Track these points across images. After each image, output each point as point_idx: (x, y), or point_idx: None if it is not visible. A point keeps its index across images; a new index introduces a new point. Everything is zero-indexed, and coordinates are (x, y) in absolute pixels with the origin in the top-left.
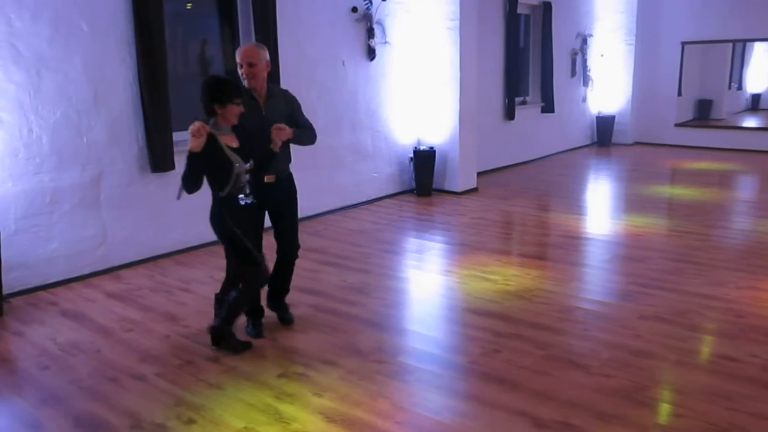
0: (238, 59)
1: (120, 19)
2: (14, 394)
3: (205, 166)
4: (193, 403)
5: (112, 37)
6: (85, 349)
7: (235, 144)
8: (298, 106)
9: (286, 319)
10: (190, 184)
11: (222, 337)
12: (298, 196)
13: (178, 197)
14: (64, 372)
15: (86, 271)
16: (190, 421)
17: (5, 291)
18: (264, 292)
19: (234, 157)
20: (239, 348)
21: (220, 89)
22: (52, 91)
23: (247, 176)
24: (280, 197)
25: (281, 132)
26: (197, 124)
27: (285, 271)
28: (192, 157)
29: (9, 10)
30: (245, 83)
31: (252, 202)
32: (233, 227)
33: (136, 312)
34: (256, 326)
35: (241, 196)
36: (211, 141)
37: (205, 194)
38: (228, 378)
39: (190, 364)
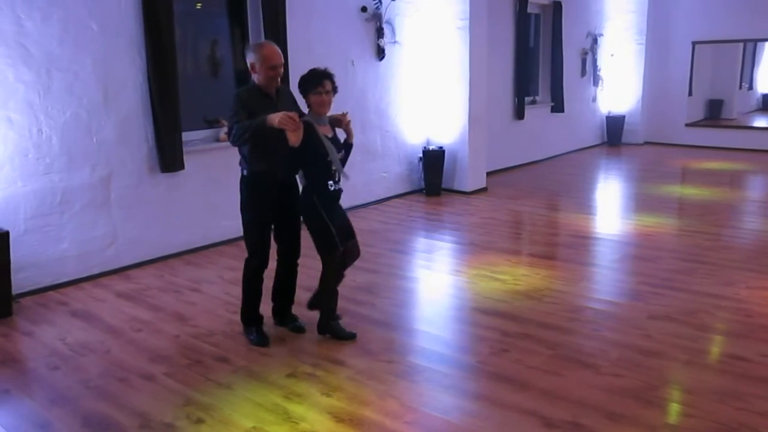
0: (271, 62)
1: (130, 19)
2: (24, 394)
3: (303, 156)
4: (202, 403)
5: (122, 37)
6: (94, 349)
7: (329, 134)
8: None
9: (299, 326)
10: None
11: (329, 331)
12: None
13: (346, 178)
14: (74, 372)
15: (96, 271)
16: (199, 421)
17: (15, 291)
18: (268, 305)
19: (329, 145)
20: (346, 336)
21: (302, 81)
22: (62, 91)
23: (340, 165)
24: (291, 202)
25: (350, 122)
26: (288, 116)
27: (291, 275)
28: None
29: (19, 10)
30: (266, 83)
31: (340, 189)
32: (322, 213)
33: (145, 312)
34: (259, 333)
35: (331, 182)
36: (310, 131)
37: (215, 194)
38: (237, 378)
39: (199, 364)
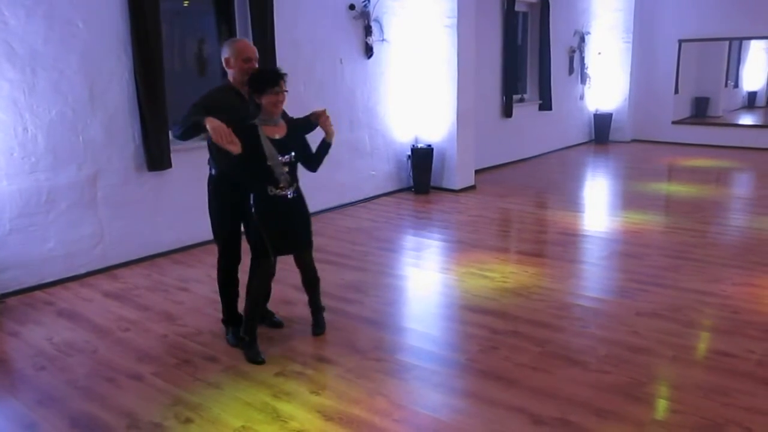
0: (245, 54)
1: (116, 17)
2: (10, 395)
3: (241, 157)
4: (191, 403)
5: (108, 35)
6: (81, 349)
7: (278, 135)
8: None
9: (277, 322)
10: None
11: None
12: None
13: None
14: (61, 372)
15: (83, 271)
16: (188, 421)
17: (1, 291)
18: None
19: (269, 149)
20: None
21: (257, 80)
22: (47, 89)
23: (285, 169)
24: None
25: (329, 119)
26: (222, 127)
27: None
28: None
29: (3, 7)
30: (240, 79)
31: (284, 195)
32: (255, 218)
33: (133, 311)
34: (236, 335)
35: (271, 187)
36: (253, 132)
37: (202, 193)
38: (225, 377)
39: (187, 364)
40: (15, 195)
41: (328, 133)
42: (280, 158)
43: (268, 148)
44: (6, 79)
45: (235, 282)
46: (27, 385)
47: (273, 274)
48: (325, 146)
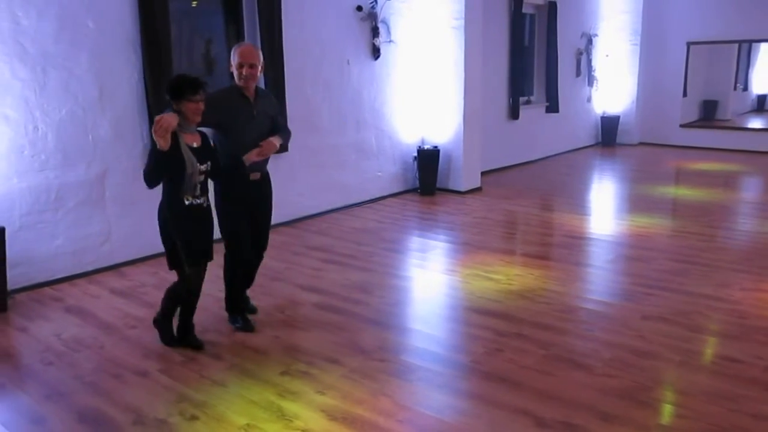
0: (238, 59)
1: (126, 17)
2: (18, 390)
3: (168, 165)
4: (196, 400)
5: (118, 35)
6: (88, 345)
7: (196, 143)
8: (279, 108)
9: (250, 308)
10: (153, 179)
11: (158, 328)
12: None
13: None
14: (68, 368)
15: (90, 268)
16: (193, 418)
17: (10, 287)
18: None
19: (189, 157)
20: (167, 342)
21: (176, 86)
22: (57, 88)
23: (201, 177)
24: (262, 196)
25: (269, 148)
26: (164, 118)
27: (252, 271)
28: (157, 154)
29: (16, 7)
30: (240, 83)
31: (198, 203)
32: (168, 227)
33: (139, 309)
34: (244, 320)
35: (188, 196)
36: (173, 139)
37: (212, 191)
38: (231, 375)
39: (193, 361)
40: (25, 192)
41: (247, 158)
42: (198, 166)
43: (188, 156)
44: (18, 78)
45: (243, 273)
46: (35, 380)
47: (201, 281)
48: (239, 164)
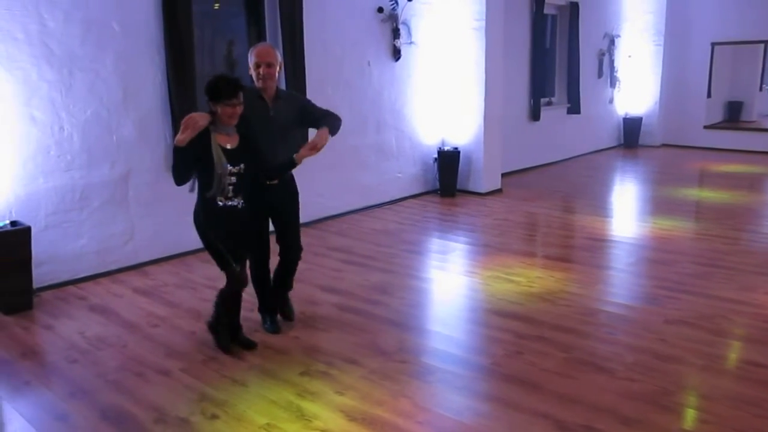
0: (255, 59)
1: (150, 20)
2: (44, 386)
3: (194, 163)
4: (217, 399)
5: (142, 37)
6: (112, 343)
7: (230, 145)
8: (308, 101)
9: (286, 312)
10: (176, 176)
11: (212, 332)
12: (299, 197)
13: (191, 190)
14: (92, 365)
15: (114, 267)
16: (214, 417)
17: (35, 285)
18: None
19: (220, 157)
20: (221, 347)
21: (214, 88)
22: (83, 89)
23: (233, 179)
24: (282, 198)
25: (321, 141)
26: (191, 117)
27: (286, 274)
28: (175, 150)
29: (43, 10)
30: (259, 84)
31: (231, 205)
32: (207, 229)
33: (162, 308)
34: (272, 323)
35: (221, 198)
36: (205, 138)
37: None
38: (251, 375)
39: (214, 360)
40: (51, 192)
41: (299, 156)
42: (228, 167)
43: (218, 157)
44: (45, 79)
45: (267, 275)
46: (60, 377)
47: (244, 281)
48: (288, 163)
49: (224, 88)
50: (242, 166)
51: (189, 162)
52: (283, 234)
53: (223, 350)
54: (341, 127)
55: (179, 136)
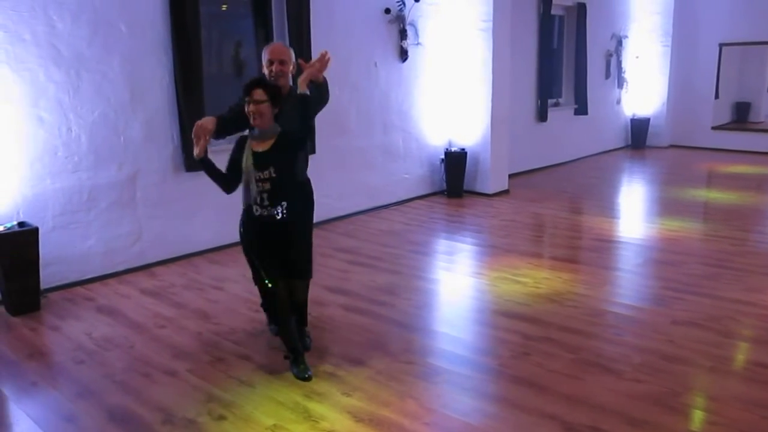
0: (268, 57)
1: (157, 21)
2: (51, 387)
3: (233, 172)
4: (224, 400)
5: (150, 38)
6: (119, 344)
7: (262, 148)
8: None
9: (303, 345)
10: (220, 186)
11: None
12: (314, 206)
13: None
14: (99, 366)
15: (121, 268)
16: (221, 418)
17: (43, 286)
18: None
19: (247, 163)
20: (293, 349)
21: (245, 85)
22: (90, 90)
23: (266, 185)
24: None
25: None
26: (198, 124)
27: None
28: (200, 163)
29: (51, 11)
30: (273, 81)
31: (269, 214)
32: (243, 238)
33: (169, 309)
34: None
35: (257, 206)
36: (241, 144)
37: (239, 194)
38: (258, 376)
39: (221, 362)
40: (58, 193)
41: (303, 81)
42: (254, 173)
43: (247, 163)
44: (52, 81)
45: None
46: (67, 378)
47: (281, 294)
48: (314, 89)
49: (246, 85)
50: (272, 170)
51: (213, 172)
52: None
53: (302, 379)
54: (325, 95)
55: (195, 150)
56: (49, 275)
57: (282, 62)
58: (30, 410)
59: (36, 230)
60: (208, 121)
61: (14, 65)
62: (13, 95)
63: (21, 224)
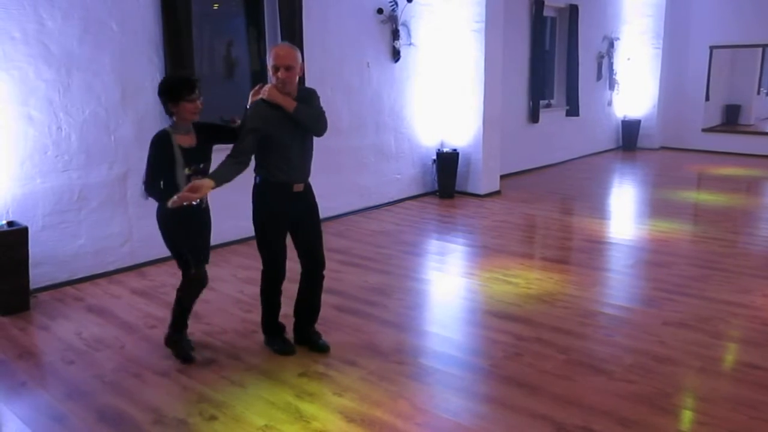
0: (272, 62)
1: (149, 19)
2: (40, 388)
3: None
4: (215, 400)
5: (141, 36)
6: (109, 344)
7: (188, 144)
8: (316, 98)
9: (321, 345)
10: (149, 192)
11: (171, 343)
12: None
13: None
14: (89, 367)
15: (111, 268)
16: (212, 418)
17: (32, 286)
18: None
19: (179, 159)
20: (181, 357)
21: (173, 89)
22: (81, 89)
23: (192, 180)
24: (306, 207)
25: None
26: (194, 185)
27: (313, 295)
28: (149, 187)
29: (41, 10)
30: (278, 85)
31: (195, 204)
32: (169, 228)
33: (160, 309)
34: (283, 342)
35: (174, 198)
36: (167, 140)
37: (229, 194)
38: (250, 376)
39: (212, 362)
40: (48, 192)
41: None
42: (185, 170)
43: (178, 158)
44: (42, 79)
45: (278, 294)
46: (56, 378)
47: (205, 283)
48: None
49: (183, 85)
50: (201, 165)
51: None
52: (306, 248)
53: (186, 362)
54: (313, 124)
55: (177, 200)
56: (38, 275)
57: (288, 68)
58: (19, 410)
59: (26, 230)
60: (204, 184)
61: (3, 64)
62: (2, 94)
63: (10, 223)
